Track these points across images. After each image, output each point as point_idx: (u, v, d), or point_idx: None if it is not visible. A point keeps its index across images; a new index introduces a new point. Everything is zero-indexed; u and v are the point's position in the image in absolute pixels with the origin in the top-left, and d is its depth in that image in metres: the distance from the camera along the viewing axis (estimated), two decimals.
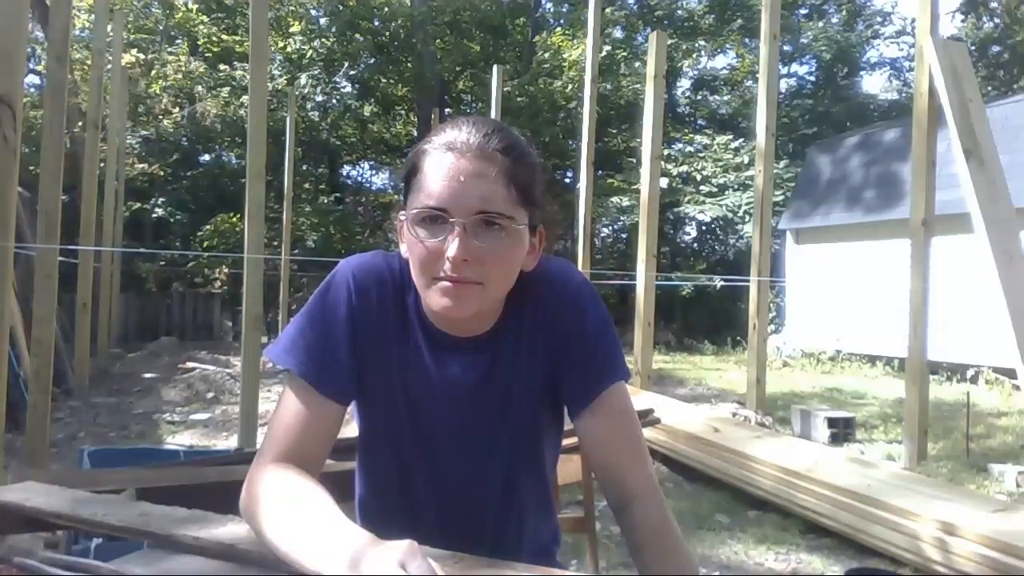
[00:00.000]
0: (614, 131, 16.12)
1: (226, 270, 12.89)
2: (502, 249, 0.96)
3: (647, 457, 1.09)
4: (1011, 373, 6.49)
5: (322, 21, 16.23)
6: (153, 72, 14.23)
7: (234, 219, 12.49)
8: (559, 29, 17.16)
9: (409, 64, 16.48)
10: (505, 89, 11.75)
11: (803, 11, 18.41)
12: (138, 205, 13.25)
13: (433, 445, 1.09)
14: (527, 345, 1.08)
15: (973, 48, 17.85)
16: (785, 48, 16.98)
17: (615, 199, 14.42)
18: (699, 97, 18.88)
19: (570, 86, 15.13)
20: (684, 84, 18.85)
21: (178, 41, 16.04)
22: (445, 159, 0.95)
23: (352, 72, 16.07)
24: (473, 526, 1.11)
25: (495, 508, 1.12)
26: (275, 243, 12.11)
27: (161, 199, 13.97)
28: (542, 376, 1.08)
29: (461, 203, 0.94)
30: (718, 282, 13.36)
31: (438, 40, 16.70)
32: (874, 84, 31.35)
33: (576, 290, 1.09)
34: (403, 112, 17.91)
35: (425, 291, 0.99)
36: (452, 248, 0.93)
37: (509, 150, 0.97)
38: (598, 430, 1.06)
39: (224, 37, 15.50)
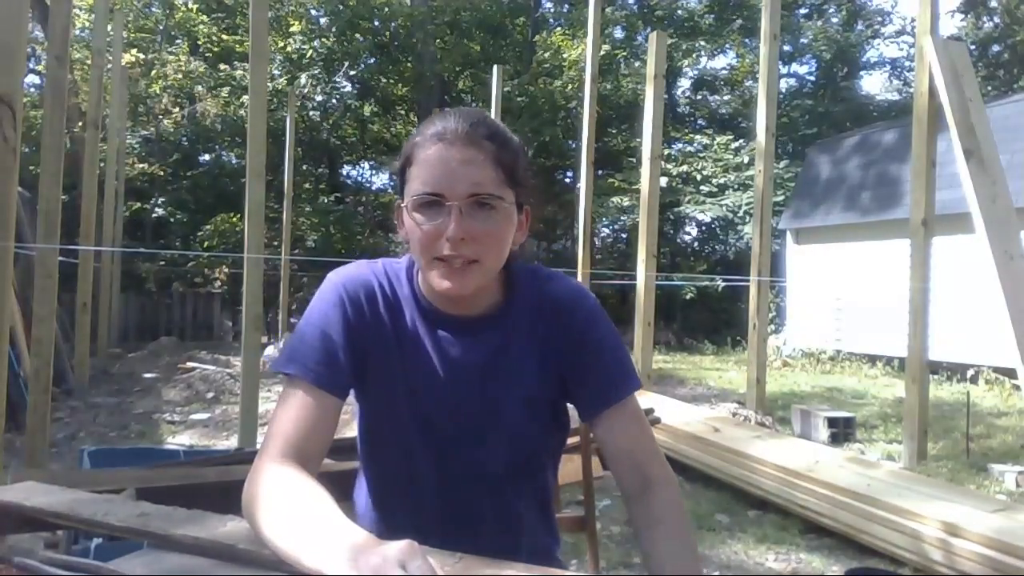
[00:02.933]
0: (614, 131, 16.12)
1: (226, 270, 12.90)
2: (494, 226, 1.04)
3: (662, 453, 1.16)
4: (1011, 373, 6.49)
5: (322, 21, 16.23)
6: (153, 72, 14.23)
7: (234, 219, 12.50)
8: (559, 29, 17.16)
9: (409, 64, 16.48)
10: (505, 89, 11.75)
11: (803, 11, 18.41)
12: (138, 205, 13.25)
13: (435, 427, 1.13)
14: (534, 336, 1.13)
15: (973, 48, 17.87)
16: (785, 48, 16.99)
17: (615, 199, 14.42)
18: (699, 97, 18.88)
19: (570, 86, 15.13)
20: (684, 84, 18.87)
21: (178, 41, 16.04)
22: (437, 148, 1.03)
23: (352, 72, 16.07)
24: (474, 510, 1.14)
25: (496, 490, 1.15)
26: (275, 243, 12.11)
27: (161, 199, 13.96)
28: (551, 368, 1.14)
29: (455, 187, 1.02)
30: (719, 283, 13.37)
31: (438, 40, 16.70)
32: (874, 84, 31.43)
33: (593, 307, 1.17)
34: (403, 112, 17.92)
35: (428, 272, 1.07)
36: (451, 229, 1.01)
37: (494, 137, 1.05)
38: (618, 425, 1.12)
39: (224, 37, 15.50)
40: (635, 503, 1.09)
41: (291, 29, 15.29)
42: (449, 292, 1.05)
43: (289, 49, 15.20)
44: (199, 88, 14.63)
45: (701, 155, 15.33)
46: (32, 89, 11.72)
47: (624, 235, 16.80)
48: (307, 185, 16.02)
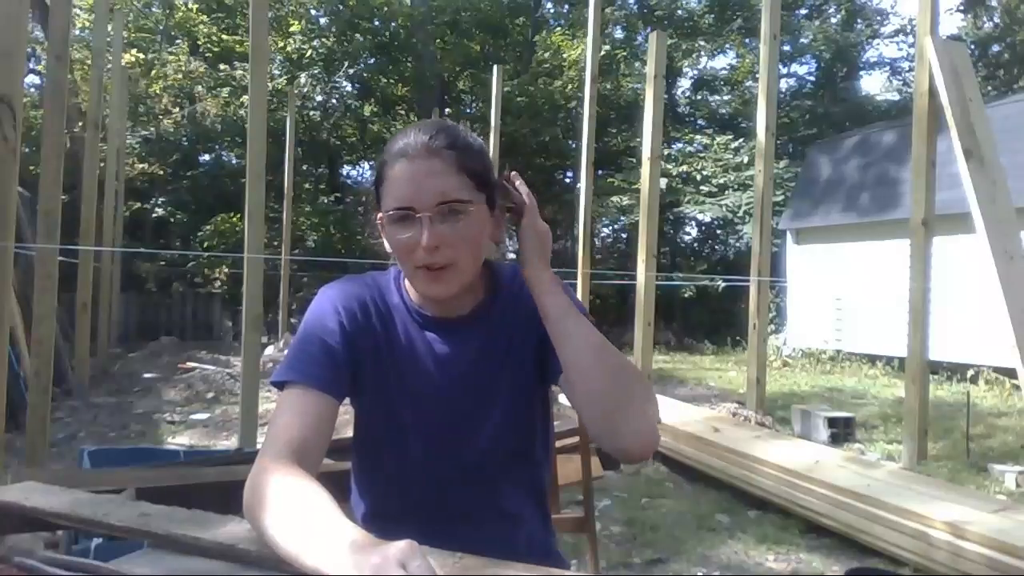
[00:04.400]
0: (614, 131, 16.11)
1: (226, 270, 12.89)
2: (464, 230, 1.08)
3: None
4: (1011, 373, 6.49)
5: (322, 21, 16.22)
6: (153, 72, 14.23)
7: (234, 219, 12.49)
8: (559, 29, 17.15)
9: (409, 64, 16.47)
10: (505, 89, 11.75)
11: (803, 11, 18.40)
12: (138, 205, 13.24)
13: (431, 426, 1.16)
14: (515, 329, 1.18)
15: (973, 48, 17.86)
16: (785, 48, 16.98)
17: (615, 199, 14.42)
18: (699, 97, 18.86)
19: (570, 86, 15.13)
20: (684, 84, 18.86)
21: (178, 41, 16.03)
22: (402, 165, 1.09)
23: (352, 72, 16.06)
24: (471, 505, 1.17)
25: (492, 485, 1.18)
26: (275, 243, 12.10)
27: (161, 199, 13.96)
28: (531, 357, 1.17)
29: (423, 199, 1.07)
30: (719, 283, 13.36)
31: (438, 40, 16.69)
32: (874, 84, 31.43)
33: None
34: (403, 112, 17.90)
35: (412, 279, 1.14)
36: (424, 237, 1.06)
37: (454, 145, 1.10)
38: None
39: (224, 37, 15.48)
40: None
41: (291, 29, 15.28)
42: (434, 296, 1.12)
43: (289, 49, 15.18)
44: (199, 88, 14.62)
45: (701, 155, 15.31)
46: (32, 89, 11.70)
47: (624, 235, 16.79)
48: (307, 185, 16.01)
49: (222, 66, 14.92)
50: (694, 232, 16.86)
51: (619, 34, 18.09)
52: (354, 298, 1.16)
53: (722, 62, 20.02)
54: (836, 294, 11.45)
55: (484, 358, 1.17)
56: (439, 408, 1.15)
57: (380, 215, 1.14)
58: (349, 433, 1.26)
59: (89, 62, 9.38)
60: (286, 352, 1.16)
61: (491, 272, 1.21)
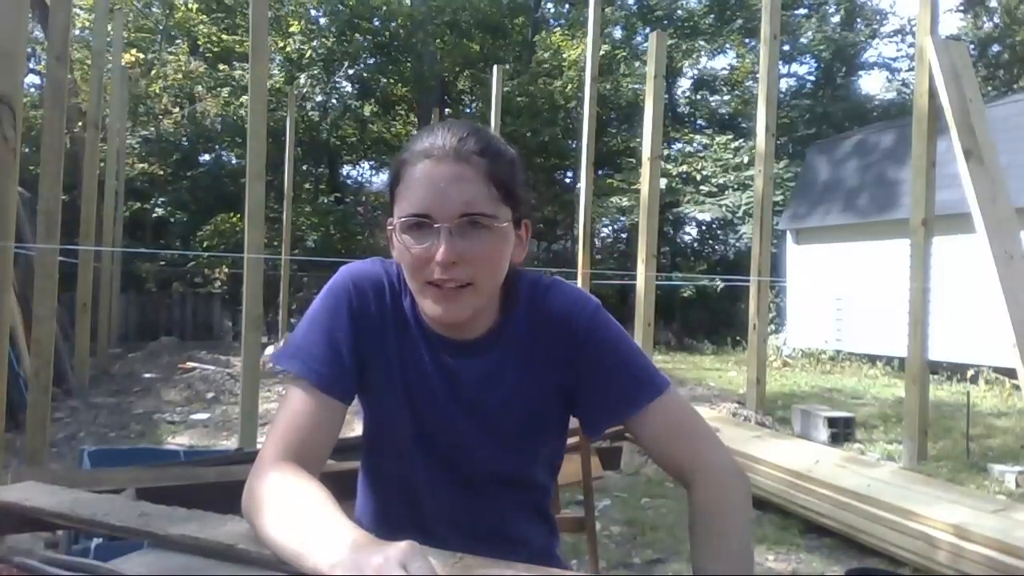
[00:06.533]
0: (614, 131, 16.12)
1: (226, 270, 12.89)
2: (488, 247, 0.98)
3: (701, 439, 1.06)
4: (1011, 373, 6.49)
5: (322, 21, 16.23)
6: (153, 72, 14.25)
7: (234, 219, 12.50)
8: (559, 29, 17.16)
9: (409, 64, 16.48)
10: (505, 89, 11.74)
11: (802, 11, 18.42)
12: (138, 205, 13.25)
13: (432, 442, 1.11)
14: (531, 352, 1.09)
15: (973, 48, 17.87)
16: (785, 48, 16.99)
17: (615, 199, 14.43)
18: (699, 97, 18.88)
19: (570, 86, 15.14)
20: (684, 84, 18.88)
21: (178, 41, 16.05)
22: (425, 167, 0.98)
23: (352, 72, 16.07)
24: (473, 519, 1.13)
25: (494, 503, 1.14)
26: (275, 243, 12.10)
27: (161, 199, 13.96)
28: (550, 384, 1.10)
29: (445, 207, 0.96)
30: (719, 283, 13.37)
31: (438, 40, 16.71)
32: (873, 84, 31.46)
33: (590, 322, 1.08)
34: (403, 112, 17.92)
35: (419, 296, 1.02)
36: (440, 252, 0.95)
37: (485, 151, 0.99)
38: (646, 431, 1.06)
39: (224, 37, 15.50)
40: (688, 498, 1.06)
41: (291, 29, 15.29)
42: (443, 319, 1.01)
43: (289, 49, 15.19)
44: (199, 88, 14.63)
45: (701, 155, 15.34)
46: (32, 89, 11.72)
47: (624, 235, 16.81)
48: (307, 185, 16.03)
49: (222, 66, 14.93)
50: (694, 232, 16.90)
51: (619, 34, 18.10)
52: (371, 282, 1.09)
53: (722, 62, 20.09)
54: (836, 294, 11.46)
55: (491, 383, 1.08)
56: (440, 428, 1.09)
57: (391, 220, 1.02)
58: (350, 433, 1.25)
59: (89, 62, 9.38)
60: (297, 326, 1.09)
61: (508, 285, 1.09)
